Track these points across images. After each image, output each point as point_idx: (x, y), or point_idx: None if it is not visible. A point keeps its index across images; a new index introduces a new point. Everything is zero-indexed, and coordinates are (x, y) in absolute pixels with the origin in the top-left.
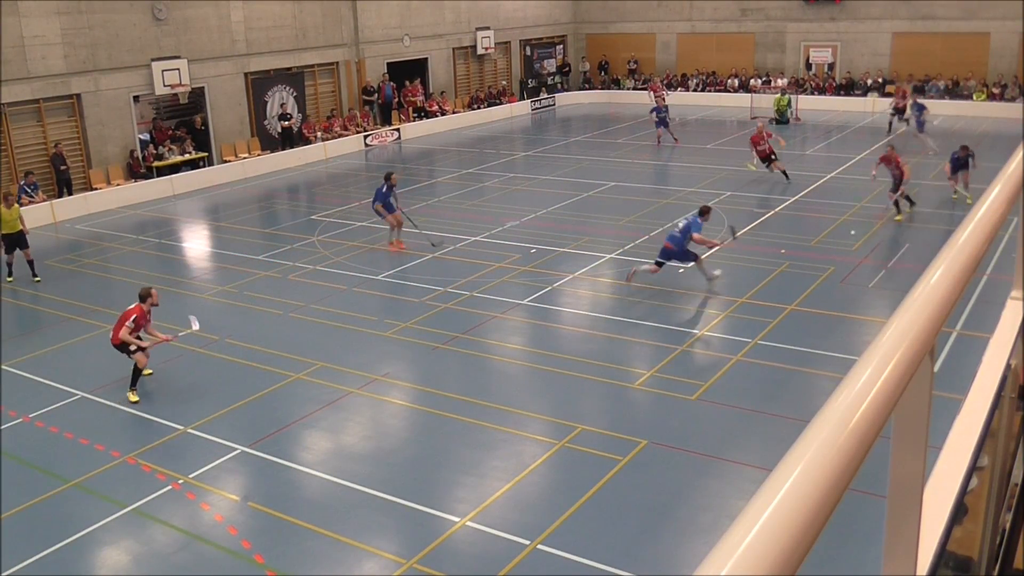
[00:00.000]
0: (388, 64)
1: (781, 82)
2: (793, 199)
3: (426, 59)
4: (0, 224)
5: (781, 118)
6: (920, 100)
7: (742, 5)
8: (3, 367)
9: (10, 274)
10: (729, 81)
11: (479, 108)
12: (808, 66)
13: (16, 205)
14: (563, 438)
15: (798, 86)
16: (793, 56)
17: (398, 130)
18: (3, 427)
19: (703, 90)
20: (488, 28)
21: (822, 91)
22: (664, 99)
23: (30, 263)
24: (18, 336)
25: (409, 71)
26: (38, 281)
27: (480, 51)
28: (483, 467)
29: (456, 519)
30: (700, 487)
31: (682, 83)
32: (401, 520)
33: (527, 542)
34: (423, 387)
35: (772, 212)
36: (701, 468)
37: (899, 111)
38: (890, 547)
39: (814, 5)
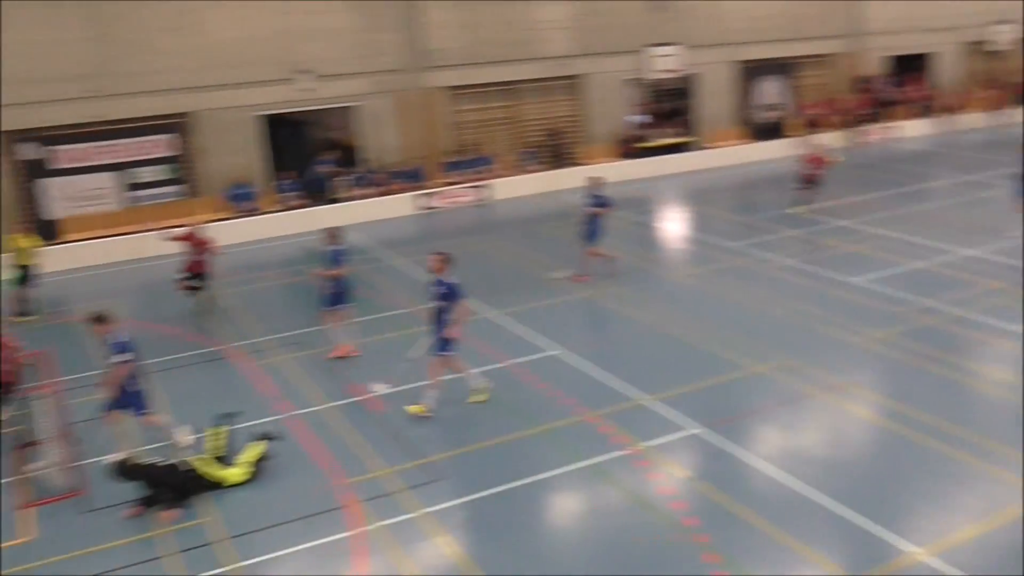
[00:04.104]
0: (886, 58)
1: None
2: None
3: (930, 54)
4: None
5: None
6: None
7: None
8: (493, 315)
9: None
10: None
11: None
12: None
13: (32, 236)
14: None
15: None
16: None
17: (893, 127)
18: (490, 368)
19: None
20: (1009, 22)
21: None
22: None
23: (31, 302)
24: (506, 291)
25: (908, 66)
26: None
27: (994, 47)
28: (950, 500)
29: (912, 548)
30: None
31: None
32: (848, 534)
33: None
34: (891, 402)
35: None
36: None
37: None
38: None
39: None
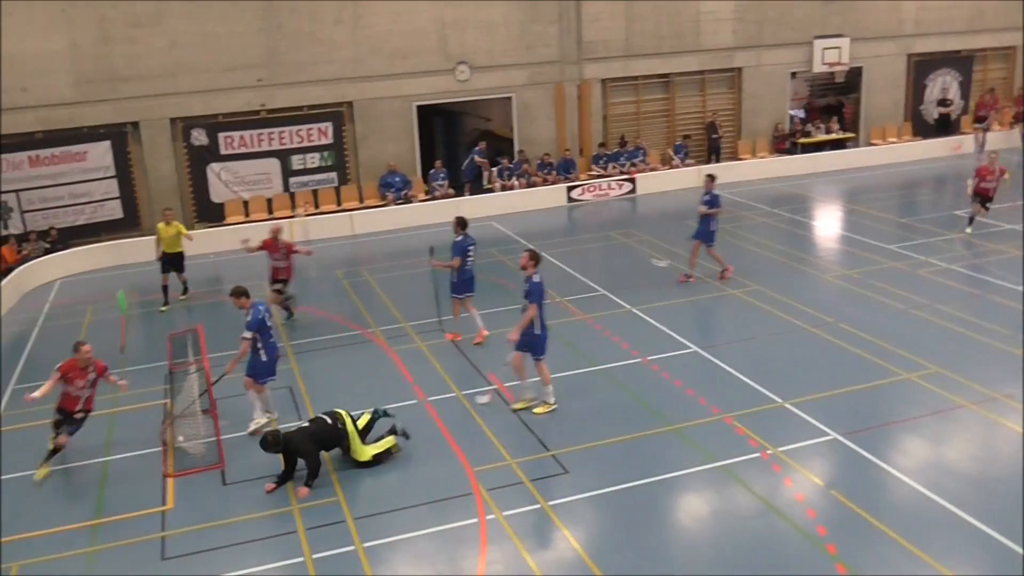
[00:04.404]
0: None
1: None
2: None
3: None
4: (159, 242)
5: None
6: None
7: None
8: (635, 309)
9: (165, 302)
10: None
11: None
12: None
13: (176, 223)
14: None
15: None
16: None
17: None
18: (625, 363)
19: None
20: None
21: None
22: None
23: (184, 284)
24: (645, 286)
25: None
26: (184, 299)
27: None
28: None
29: None
30: None
31: None
32: (986, 552)
33: None
34: None
35: None
36: None
37: None
38: None
39: None
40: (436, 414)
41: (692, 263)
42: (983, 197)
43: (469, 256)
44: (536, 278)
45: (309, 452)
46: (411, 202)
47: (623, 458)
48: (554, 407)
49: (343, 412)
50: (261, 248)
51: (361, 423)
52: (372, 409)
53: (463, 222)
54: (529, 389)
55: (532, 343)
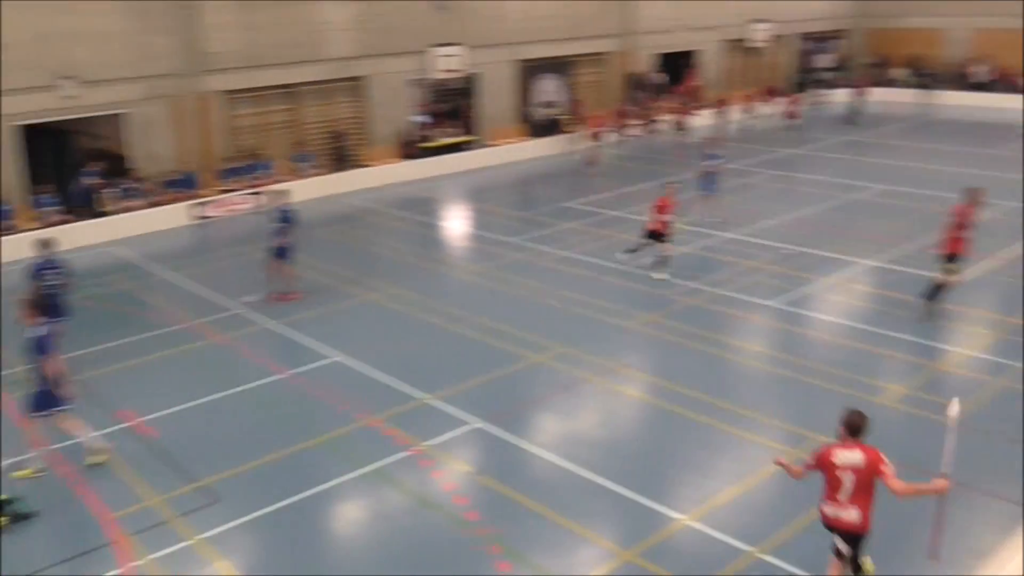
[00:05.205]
0: (657, 56)
1: None
2: None
3: (697, 51)
4: None
5: None
6: None
7: None
8: (273, 326)
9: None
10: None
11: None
12: None
13: None
14: (797, 447)
15: None
16: None
17: (658, 121)
18: (268, 380)
19: (988, 88)
20: (765, 21)
21: None
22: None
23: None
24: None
25: (678, 63)
26: None
27: (753, 44)
28: (711, 467)
29: (679, 516)
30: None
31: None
32: (624, 511)
33: (749, 548)
34: (660, 380)
35: None
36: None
37: None
38: None
39: None
40: (67, 461)
41: (273, 280)
42: (654, 233)
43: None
44: (42, 331)
45: None
46: (13, 232)
47: (275, 477)
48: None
49: None
50: None
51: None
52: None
53: (44, 242)
54: (97, 440)
55: (41, 399)
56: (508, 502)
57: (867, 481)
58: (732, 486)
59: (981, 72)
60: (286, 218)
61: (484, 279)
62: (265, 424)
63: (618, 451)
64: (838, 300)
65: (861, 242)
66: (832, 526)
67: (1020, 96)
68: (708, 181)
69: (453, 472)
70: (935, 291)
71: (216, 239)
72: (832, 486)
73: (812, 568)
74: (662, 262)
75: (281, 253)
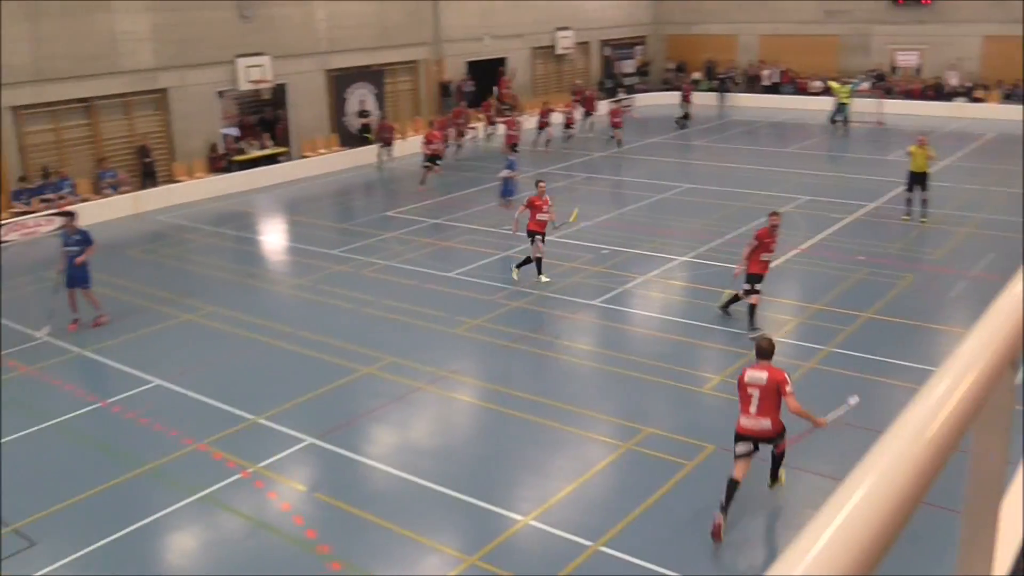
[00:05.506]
0: (468, 63)
1: (865, 84)
2: (873, 205)
3: (506, 59)
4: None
5: (838, 114)
6: None
7: (827, 6)
8: (86, 353)
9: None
10: (812, 83)
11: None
12: (893, 70)
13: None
14: (629, 440)
15: (884, 90)
16: (879, 59)
17: (476, 128)
18: (84, 411)
19: (777, 90)
20: (568, 28)
21: (908, 95)
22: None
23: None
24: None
25: (489, 70)
26: None
27: (559, 51)
28: (548, 467)
29: (519, 517)
30: (767, 495)
31: (755, 82)
32: (465, 517)
33: (589, 543)
34: (491, 385)
35: (851, 218)
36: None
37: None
38: (963, 564)
39: (902, 7)
40: None
41: (75, 307)
42: (532, 233)
43: None
44: None
45: None
46: None
47: (99, 513)
48: None
49: None
50: None
51: None
52: None
53: None
54: None
55: None
56: (347, 517)
57: (772, 396)
58: (569, 483)
59: (771, 75)
60: (81, 240)
61: (306, 292)
62: (83, 457)
63: (454, 457)
64: (656, 296)
65: (672, 239)
66: (747, 435)
67: (807, 97)
68: (508, 187)
69: (289, 492)
70: (729, 303)
71: (14, 266)
72: (744, 401)
73: (650, 558)
74: (536, 262)
75: (80, 278)
